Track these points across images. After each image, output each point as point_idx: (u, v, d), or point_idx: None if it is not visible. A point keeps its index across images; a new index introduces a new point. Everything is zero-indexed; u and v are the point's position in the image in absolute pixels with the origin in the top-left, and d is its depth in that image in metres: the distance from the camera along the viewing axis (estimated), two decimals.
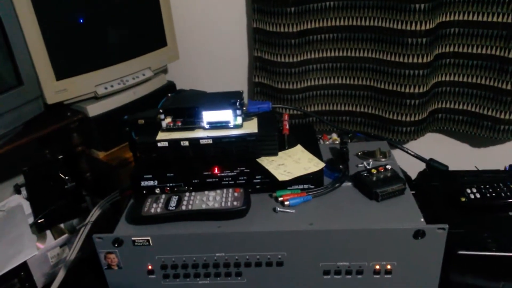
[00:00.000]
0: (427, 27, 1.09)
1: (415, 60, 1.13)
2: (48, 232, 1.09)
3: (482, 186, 0.74)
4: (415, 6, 1.07)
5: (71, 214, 1.12)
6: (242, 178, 0.70)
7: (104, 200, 0.88)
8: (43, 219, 1.08)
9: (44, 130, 1.08)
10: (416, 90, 1.16)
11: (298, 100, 1.28)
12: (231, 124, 0.70)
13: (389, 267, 0.64)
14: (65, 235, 1.09)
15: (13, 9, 0.98)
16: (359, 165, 0.76)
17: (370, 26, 1.16)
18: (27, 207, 1.13)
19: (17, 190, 1.23)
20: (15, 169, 1.24)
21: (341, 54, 1.23)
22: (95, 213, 0.88)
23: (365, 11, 1.16)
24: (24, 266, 0.99)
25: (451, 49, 1.16)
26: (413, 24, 1.09)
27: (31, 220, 1.09)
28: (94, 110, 1.14)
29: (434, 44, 1.14)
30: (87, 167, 1.19)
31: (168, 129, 0.71)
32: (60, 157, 1.21)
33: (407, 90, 1.16)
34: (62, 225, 1.11)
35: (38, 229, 1.08)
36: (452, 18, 1.13)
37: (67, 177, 1.16)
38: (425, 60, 1.13)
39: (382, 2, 1.12)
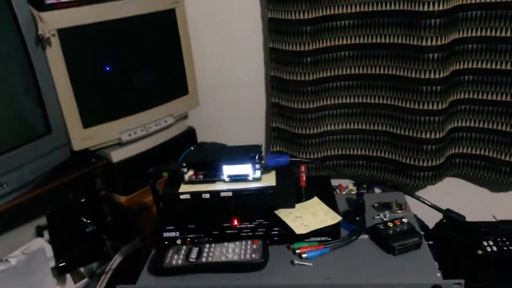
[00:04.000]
0: (441, 75, 1.12)
1: (430, 107, 1.15)
2: (68, 276, 1.10)
3: (499, 239, 0.74)
4: (429, 55, 1.10)
5: (92, 257, 1.14)
6: (261, 230, 0.72)
7: (126, 247, 0.90)
8: (64, 263, 1.10)
9: (70, 176, 1.12)
10: (433, 136, 1.17)
11: (314, 144, 1.31)
12: (250, 177, 0.73)
13: None
14: (85, 280, 1.11)
15: (45, 59, 1.04)
16: (376, 217, 0.76)
17: (385, 74, 1.20)
18: (49, 250, 1.15)
19: (39, 233, 1.26)
20: (38, 211, 1.28)
21: (356, 100, 1.26)
22: (116, 260, 0.90)
23: (380, 60, 1.19)
24: None
25: (466, 96, 1.18)
26: (428, 72, 1.12)
27: (52, 263, 1.11)
28: (117, 156, 1.18)
29: (448, 91, 1.16)
30: (108, 211, 1.22)
31: (190, 182, 0.74)
32: (83, 200, 1.25)
33: (423, 136, 1.18)
34: (82, 269, 1.13)
35: (59, 273, 1.10)
36: (466, 66, 1.15)
37: (88, 221, 1.19)
38: (440, 107, 1.14)
39: (396, 51, 1.16)
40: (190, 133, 1.37)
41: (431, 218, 0.90)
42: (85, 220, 1.18)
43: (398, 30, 1.14)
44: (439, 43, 1.09)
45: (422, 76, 1.13)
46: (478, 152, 1.21)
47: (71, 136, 1.11)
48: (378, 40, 1.18)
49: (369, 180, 0.96)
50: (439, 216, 0.91)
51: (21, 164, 1.03)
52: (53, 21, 1.02)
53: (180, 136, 1.33)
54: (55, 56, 1.05)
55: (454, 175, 1.28)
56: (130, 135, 1.20)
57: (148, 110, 1.24)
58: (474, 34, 1.12)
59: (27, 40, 1.00)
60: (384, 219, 0.75)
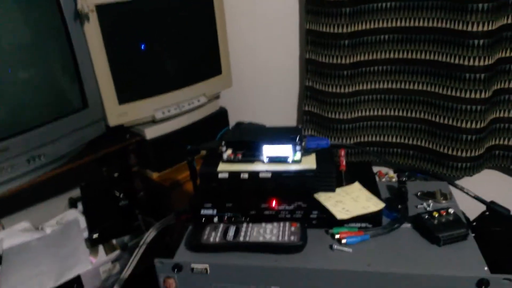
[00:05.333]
0: (486, 62, 1.07)
1: (472, 95, 1.11)
2: (100, 247, 1.13)
3: None
4: (474, 41, 1.05)
5: (124, 231, 1.16)
6: (299, 212, 0.71)
7: (160, 222, 0.91)
8: (97, 234, 1.13)
9: (104, 151, 1.14)
10: (473, 126, 1.13)
11: (347, 130, 1.28)
12: (290, 159, 0.71)
13: None
14: (117, 251, 1.13)
15: (83, 35, 1.05)
16: (419, 206, 0.74)
17: (426, 59, 1.16)
18: (82, 222, 1.18)
19: (73, 204, 1.30)
20: (72, 183, 1.31)
21: (394, 86, 1.23)
22: (150, 234, 0.91)
23: (421, 45, 1.15)
24: (77, 279, 1.04)
25: (511, 85, 1.13)
26: (472, 59, 1.07)
27: (85, 234, 1.14)
28: (151, 133, 1.19)
29: (493, 80, 1.11)
30: (140, 186, 1.24)
31: (229, 161, 0.73)
32: (116, 175, 1.27)
33: (463, 125, 1.14)
34: (114, 241, 1.15)
35: (92, 244, 1.12)
36: None
37: (121, 195, 1.21)
38: (483, 95, 1.10)
39: (439, 36, 1.11)
40: (222, 113, 1.37)
41: (472, 211, 0.87)
42: (117, 194, 1.20)
43: (442, 13, 1.09)
44: (485, 28, 1.04)
45: (466, 62, 1.08)
46: None
47: (106, 112, 1.12)
48: (420, 24, 1.13)
49: (411, 168, 0.93)
50: (479, 209, 0.88)
51: (58, 137, 1.05)
52: None
53: (212, 116, 1.33)
54: (93, 32, 1.06)
55: (493, 167, 1.24)
56: (164, 113, 1.20)
57: (181, 89, 1.24)
58: None
59: (66, 15, 1.02)
60: (428, 208, 0.73)
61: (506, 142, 1.19)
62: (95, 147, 1.14)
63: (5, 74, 0.96)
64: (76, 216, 1.20)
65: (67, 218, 1.21)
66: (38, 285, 0.97)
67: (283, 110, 1.45)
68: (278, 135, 0.73)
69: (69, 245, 1.09)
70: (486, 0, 1.01)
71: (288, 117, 1.45)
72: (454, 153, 1.17)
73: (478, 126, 1.13)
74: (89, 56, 1.07)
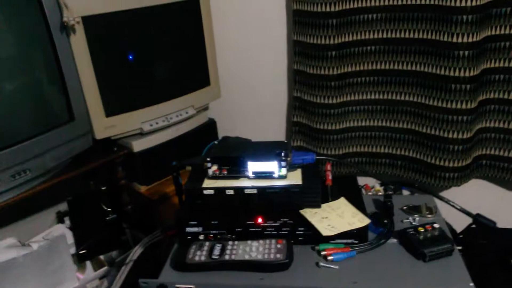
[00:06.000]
0: (471, 73, 1.08)
1: (458, 106, 1.11)
2: (88, 263, 1.11)
3: None
4: (459, 52, 1.06)
5: (112, 246, 1.15)
6: (285, 229, 0.70)
7: (146, 239, 0.90)
8: (85, 250, 1.11)
9: (91, 164, 1.12)
10: (460, 136, 1.14)
11: (336, 140, 1.28)
12: (275, 175, 0.71)
13: None
14: (105, 268, 1.12)
15: (69, 47, 1.04)
16: (404, 221, 0.74)
17: (412, 70, 1.16)
18: (69, 237, 1.16)
19: (60, 219, 1.28)
20: (59, 197, 1.29)
21: (381, 97, 1.23)
22: (137, 251, 0.90)
23: (407, 56, 1.16)
24: None
25: (496, 95, 1.14)
26: (457, 70, 1.08)
27: (73, 250, 1.12)
28: (139, 145, 1.18)
29: (478, 91, 1.12)
30: (128, 200, 1.23)
31: (214, 177, 0.72)
32: (103, 188, 1.26)
33: (450, 136, 1.14)
34: (102, 257, 1.14)
35: (79, 259, 1.11)
36: (497, 65, 1.11)
37: (109, 209, 1.20)
38: (469, 106, 1.11)
39: (425, 47, 1.12)
40: (210, 125, 1.36)
41: (458, 222, 0.87)
42: (105, 208, 1.18)
43: (428, 25, 1.10)
44: (470, 40, 1.05)
45: (451, 73, 1.09)
46: (506, 154, 1.17)
47: (93, 125, 1.11)
48: (407, 35, 1.14)
49: (396, 181, 0.93)
50: (466, 220, 0.88)
51: (44, 151, 1.04)
52: (78, 8, 1.01)
53: (201, 127, 1.33)
54: (79, 44, 1.05)
55: (480, 177, 1.25)
56: (152, 125, 1.19)
57: (169, 101, 1.23)
58: (507, 31, 1.07)
59: (52, 27, 1.00)
60: (414, 223, 0.73)
61: (492, 152, 1.19)
62: (82, 160, 1.12)
63: None
64: (63, 231, 1.19)
65: (54, 233, 1.19)
66: None
67: (272, 120, 1.45)
68: (264, 150, 0.73)
69: (56, 261, 1.08)
70: (470, 11, 1.02)
71: (277, 128, 1.45)
72: (442, 163, 1.17)
73: (464, 136, 1.14)
74: (75, 68, 1.06)
